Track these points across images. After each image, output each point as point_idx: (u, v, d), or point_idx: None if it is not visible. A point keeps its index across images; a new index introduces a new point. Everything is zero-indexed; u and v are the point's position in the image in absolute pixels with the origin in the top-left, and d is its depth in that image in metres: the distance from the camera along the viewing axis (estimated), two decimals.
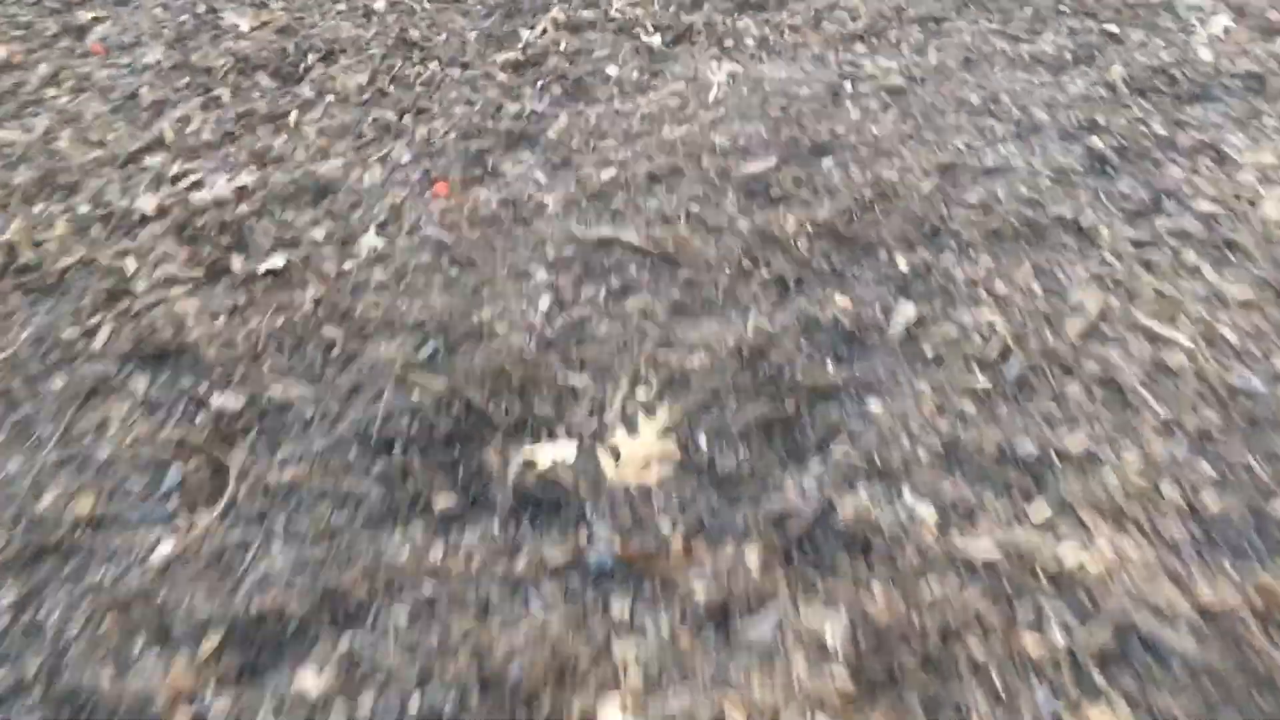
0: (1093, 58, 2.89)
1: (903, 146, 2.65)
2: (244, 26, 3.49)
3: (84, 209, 2.77)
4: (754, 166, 2.63)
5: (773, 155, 2.67)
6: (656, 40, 3.21)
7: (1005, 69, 2.89)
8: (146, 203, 2.76)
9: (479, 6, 3.52)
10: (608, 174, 2.68)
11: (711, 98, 2.94)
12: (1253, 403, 1.91)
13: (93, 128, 3.07)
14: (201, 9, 3.65)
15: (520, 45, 3.26)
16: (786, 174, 2.60)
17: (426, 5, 3.52)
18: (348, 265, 2.49)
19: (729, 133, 2.78)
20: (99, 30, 3.61)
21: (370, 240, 2.56)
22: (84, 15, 3.69)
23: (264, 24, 3.49)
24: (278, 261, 2.51)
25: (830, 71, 2.97)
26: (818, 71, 2.98)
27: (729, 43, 3.16)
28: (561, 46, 3.22)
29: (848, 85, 2.89)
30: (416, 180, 2.75)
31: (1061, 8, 3.13)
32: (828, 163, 2.63)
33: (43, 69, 3.39)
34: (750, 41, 3.15)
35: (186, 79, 3.25)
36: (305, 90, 3.13)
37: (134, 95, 3.21)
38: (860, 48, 3.06)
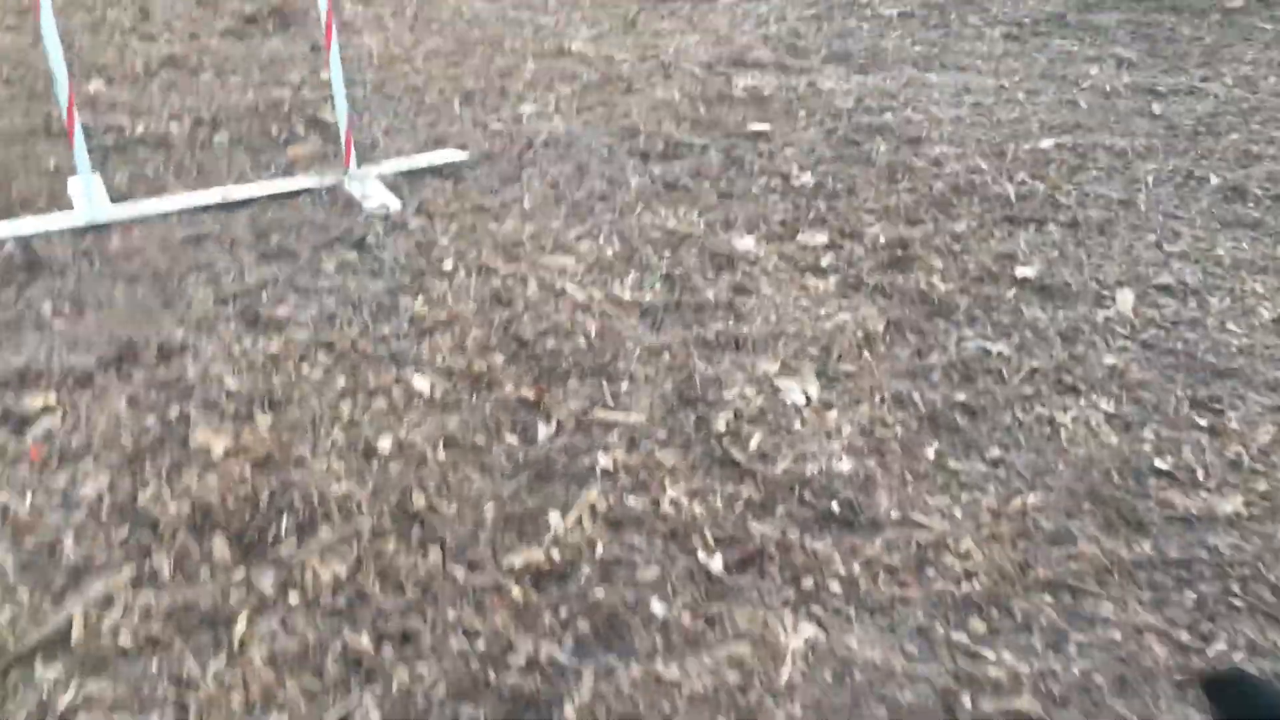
0: None
1: None
2: (216, 450, 2.86)
3: None
4: None
5: None
6: (717, 561, 2.55)
7: (1169, 697, 2.20)
8: None
9: (504, 460, 2.89)
10: None
11: (784, 680, 2.24)
12: None
13: None
14: (173, 414, 3.03)
15: (546, 539, 2.60)
16: None
17: (441, 454, 2.89)
18: None
19: None
20: (44, 424, 2.98)
21: None
22: (34, 401, 3.07)
23: (241, 451, 2.86)
24: None
25: (940, 665, 2.28)
26: (922, 658, 2.29)
27: (808, 582, 2.49)
28: (597, 552, 2.56)
29: (965, 699, 2.20)
30: None
31: (1234, 601, 2.46)
32: None
33: None
34: (835, 585, 2.49)
35: (125, 531, 2.59)
36: (266, 579, 2.45)
37: (55, 547, 2.54)
38: (978, 626, 2.38)
